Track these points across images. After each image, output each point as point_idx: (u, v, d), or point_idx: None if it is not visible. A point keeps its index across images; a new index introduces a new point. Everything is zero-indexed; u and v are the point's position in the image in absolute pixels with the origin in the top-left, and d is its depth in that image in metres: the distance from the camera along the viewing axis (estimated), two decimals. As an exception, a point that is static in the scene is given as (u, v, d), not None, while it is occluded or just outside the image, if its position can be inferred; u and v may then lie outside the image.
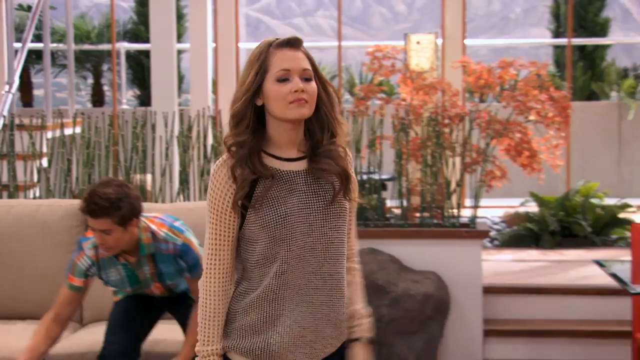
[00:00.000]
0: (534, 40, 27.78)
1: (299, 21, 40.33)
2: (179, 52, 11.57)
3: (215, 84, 10.62)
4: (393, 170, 6.98)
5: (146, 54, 14.07)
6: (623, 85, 13.79)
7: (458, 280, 6.40)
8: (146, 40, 12.46)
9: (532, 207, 9.02)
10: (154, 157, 6.85)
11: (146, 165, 6.76)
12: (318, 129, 2.90)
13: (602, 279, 5.83)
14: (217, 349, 2.91)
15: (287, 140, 2.88)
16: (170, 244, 4.39)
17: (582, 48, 14.53)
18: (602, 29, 14.98)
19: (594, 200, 8.87)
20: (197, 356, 2.93)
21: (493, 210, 9.37)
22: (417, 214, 6.91)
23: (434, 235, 6.56)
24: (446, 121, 7.05)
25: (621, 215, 8.74)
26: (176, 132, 6.92)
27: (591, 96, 14.30)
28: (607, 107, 13.11)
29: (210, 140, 6.88)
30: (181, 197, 6.74)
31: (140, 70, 16.04)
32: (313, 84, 2.84)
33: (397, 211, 6.95)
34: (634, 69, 15.20)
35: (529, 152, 7.40)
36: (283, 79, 2.81)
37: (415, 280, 6.21)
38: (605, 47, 14.95)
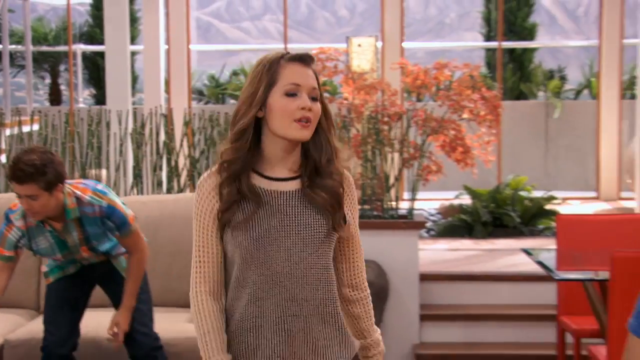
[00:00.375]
0: (467, 43, 27.98)
1: (247, 25, 40.19)
2: (133, 53, 11.50)
3: (167, 83, 10.56)
4: (335, 165, 6.97)
5: (101, 55, 13.93)
6: (549, 85, 13.93)
7: (396, 268, 6.42)
8: (101, 42, 12.35)
9: (466, 200, 9.08)
10: (108, 153, 6.80)
11: (101, 161, 6.70)
12: (315, 152, 2.61)
13: (529, 266, 5.88)
14: (222, 359, 2.59)
15: (280, 158, 2.61)
16: (95, 206, 4.30)
17: (511, 51, 14.65)
18: (529, 33, 15.12)
19: (522, 193, 8.95)
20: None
21: (429, 202, 9.42)
22: (358, 207, 6.92)
23: (374, 226, 6.57)
24: (385, 119, 7.07)
25: (547, 206, 8.84)
26: (130, 130, 6.87)
27: (520, 96, 14.43)
28: (535, 106, 13.24)
29: (162, 137, 6.83)
30: (135, 190, 6.69)
31: (95, 70, 15.89)
32: (318, 105, 2.58)
33: (340, 204, 6.94)
34: (559, 71, 15.37)
35: (463, 148, 7.44)
36: (292, 94, 2.54)
37: (357, 268, 6.21)
38: (532, 50, 15.08)
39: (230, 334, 2.61)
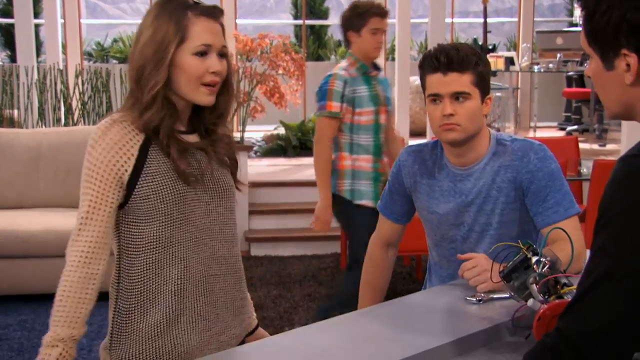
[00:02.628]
0: (282, 21, 27.68)
1: (124, 5, 38.46)
2: (37, 25, 10.80)
3: (64, 46, 10.01)
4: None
5: (14, 25, 13.05)
6: (338, 51, 14.02)
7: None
8: (13, 16, 11.56)
9: (282, 130, 9.08)
10: (19, 97, 6.43)
11: (14, 103, 6.33)
12: (207, 109, 1.76)
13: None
14: (75, 335, 1.65)
15: (180, 113, 1.75)
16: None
17: (312, 27, 14.65)
18: (324, 14, 15.14)
19: (320, 126, 9.01)
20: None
21: (256, 132, 9.37)
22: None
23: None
24: (224, 73, 6.94)
25: (337, 135, 8.94)
26: (35, 80, 6.49)
27: (318, 58, 14.48)
28: (329, 65, 13.27)
29: (59, 86, 6.47)
30: (40, 124, 6.34)
31: (10, 37, 14.82)
32: (225, 64, 1.73)
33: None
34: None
35: (279, 94, 7.43)
36: (201, 53, 1.68)
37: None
38: (327, 26, 15.12)
39: (147, 303, 1.71)
